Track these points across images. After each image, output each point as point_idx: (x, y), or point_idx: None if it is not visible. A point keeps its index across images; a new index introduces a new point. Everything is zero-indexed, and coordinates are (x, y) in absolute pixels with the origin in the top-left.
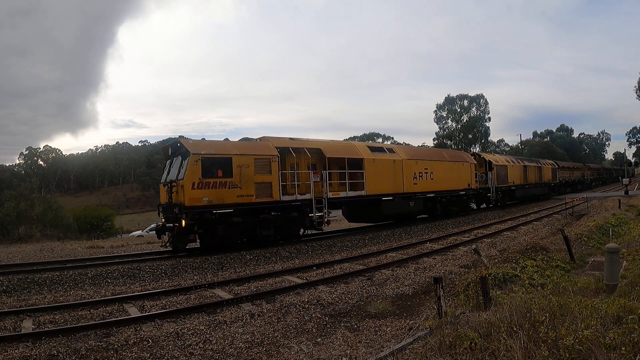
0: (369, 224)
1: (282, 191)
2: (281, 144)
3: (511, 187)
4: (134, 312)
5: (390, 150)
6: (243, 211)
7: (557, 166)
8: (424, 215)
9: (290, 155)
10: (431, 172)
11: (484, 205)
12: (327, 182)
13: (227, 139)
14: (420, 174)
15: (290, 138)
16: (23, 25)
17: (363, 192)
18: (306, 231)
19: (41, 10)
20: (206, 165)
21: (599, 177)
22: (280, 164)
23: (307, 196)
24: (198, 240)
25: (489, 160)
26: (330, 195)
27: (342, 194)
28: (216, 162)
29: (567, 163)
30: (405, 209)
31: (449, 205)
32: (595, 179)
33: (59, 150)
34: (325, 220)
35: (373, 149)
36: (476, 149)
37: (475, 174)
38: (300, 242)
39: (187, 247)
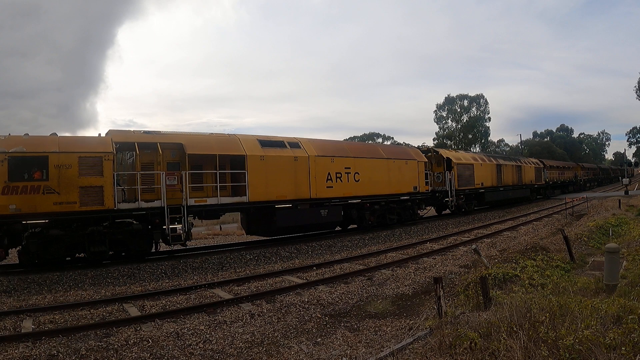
0: (268, 238)
1: (119, 197)
2: (124, 139)
3: (479, 189)
4: (134, 312)
5: (294, 145)
6: (64, 222)
7: (542, 165)
8: (353, 226)
9: (144, 153)
10: (355, 173)
11: (448, 211)
12: (188, 185)
13: (54, 134)
14: (339, 175)
15: (145, 132)
16: (24, 26)
17: (245, 198)
18: (159, 247)
19: (42, 11)
20: (14, 165)
21: (595, 178)
22: (117, 164)
23: (156, 203)
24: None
25: (448, 158)
26: (193, 202)
27: (212, 201)
28: (28, 161)
29: (557, 162)
30: (314, 219)
31: (386, 213)
32: (590, 180)
33: None
34: (185, 233)
35: (265, 144)
36: (476, 149)
37: (427, 174)
38: (299, 242)
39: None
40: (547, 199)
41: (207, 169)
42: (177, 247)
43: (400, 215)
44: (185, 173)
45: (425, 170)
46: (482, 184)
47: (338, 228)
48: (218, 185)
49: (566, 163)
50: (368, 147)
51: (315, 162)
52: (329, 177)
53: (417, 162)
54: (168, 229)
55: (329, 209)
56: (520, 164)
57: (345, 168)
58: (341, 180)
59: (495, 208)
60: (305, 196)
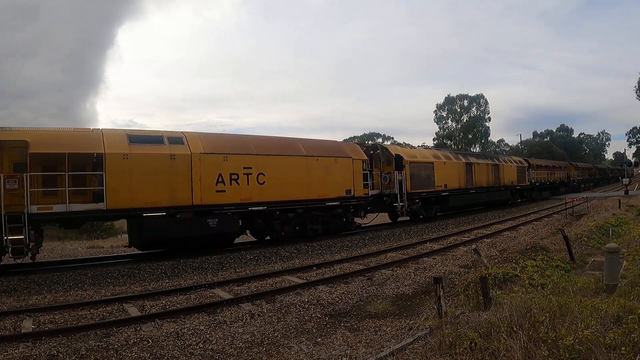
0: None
1: None
2: None
3: (441, 192)
4: (134, 312)
5: (176, 140)
6: None
7: (527, 164)
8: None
9: None
10: (259, 174)
11: (406, 218)
12: (29, 189)
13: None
14: (234, 176)
15: None
16: (24, 27)
17: (102, 205)
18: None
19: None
20: None
21: (591, 178)
22: None
23: None
24: None
25: (397, 155)
26: (35, 209)
27: (59, 208)
28: None
29: (546, 161)
30: (200, 230)
31: (307, 223)
32: (585, 181)
33: None
34: (27, 245)
35: (136, 139)
36: (476, 148)
37: (367, 174)
38: (299, 242)
39: None
40: (533, 201)
41: (62, 169)
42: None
43: (329, 225)
44: (27, 175)
45: (365, 169)
46: (445, 185)
47: (271, 239)
48: (67, 189)
49: (557, 162)
50: (280, 142)
51: (201, 160)
52: (220, 179)
53: (352, 161)
54: (6, 240)
55: (219, 218)
56: (497, 163)
57: (245, 168)
58: (237, 183)
59: (466, 213)
60: (186, 202)
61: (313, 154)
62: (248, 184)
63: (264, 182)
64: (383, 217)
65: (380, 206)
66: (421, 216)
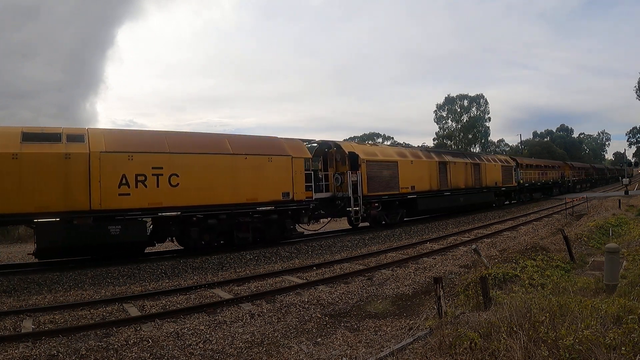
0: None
1: None
2: None
3: (407, 195)
4: (134, 312)
5: (76, 138)
6: None
7: (514, 164)
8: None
9: None
10: (172, 175)
11: (366, 224)
12: None
13: None
14: (141, 178)
15: None
16: (25, 27)
17: None
18: None
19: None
20: None
21: (588, 179)
22: None
23: None
24: None
25: (351, 153)
26: None
27: None
28: None
29: (537, 160)
30: (100, 237)
31: (235, 230)
32: (581, 181)
33: None
34: None
35: (30, 137)
36: (476, 149)
37: (311, 174)
38: (299, 242)
39: None
40: (522, 204)
41: None
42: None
43: (263, 233)
44: None
45: (309, 169)
46: (412, 187)
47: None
48: None
49: (550, 162)
50: (202, 139)
51: (101, 160)
52: (124, 181)
53: (292, 159)
54: None
55: (123, 224)
56: (478, 162)
57: (154, 168)
58: (145, 185)
59: (441, 218)
60: (84, 207)
61: (241, 152)
62: (158, 187)
63: (178, 184)
64: (343, 223)
65: (334, 211)
66: (383, 222)
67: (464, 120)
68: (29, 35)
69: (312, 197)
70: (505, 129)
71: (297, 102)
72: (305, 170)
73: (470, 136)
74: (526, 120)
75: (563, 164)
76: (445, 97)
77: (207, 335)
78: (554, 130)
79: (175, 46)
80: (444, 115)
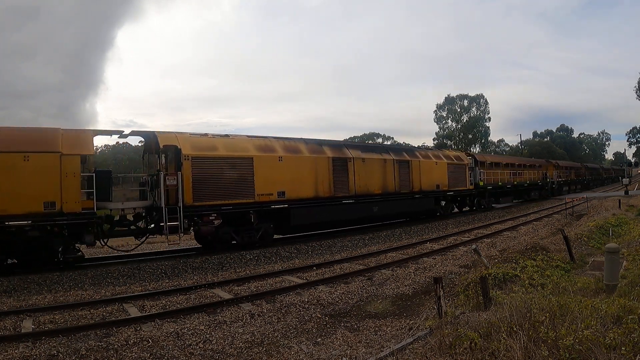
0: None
1: None
2: None
3: (270, 204)
4: (134, 312)
5: None
6: None
7: (468, 162)
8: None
9: None
10: None
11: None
12: None
13: None
14: None
15: None
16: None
17: None
18: None
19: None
20: None
21: (578, 180)
22: None
23: None
24: None
25: (169, 147)
26: None
27: None
28: None
29: (508, 158)
30: None
31: None
32: (570, 182)
33: None
34: None
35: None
36: (476, 149)
37: (85, 177)
38: (299, 242)
39: None
40: (485, 211)
41: None
42: None
43: (21, 256)
44: None
45: (89, 171)
46: (281, 193)
47: None
48: None
49: (528, 160)
50: None
51: None
52: None
53: (61, 157)
54: None
55: None
56: (407, 159)
57: None
58: None
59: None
60: None
61: None
62: None
63: None
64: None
65: (148, 225)
66: (234, 242)
67: (464, 121)
68: (29, 36)
69: (93, 208)
70: (505, 129)
71: (297, 102)
72: (88, 172)
73: (470, 136)
74: (526, 121)
75: (545, 163)
76: (445, 97)
77: (207, 335)
78: (554, 130)
79: (176, 46)
80: (444, 115)
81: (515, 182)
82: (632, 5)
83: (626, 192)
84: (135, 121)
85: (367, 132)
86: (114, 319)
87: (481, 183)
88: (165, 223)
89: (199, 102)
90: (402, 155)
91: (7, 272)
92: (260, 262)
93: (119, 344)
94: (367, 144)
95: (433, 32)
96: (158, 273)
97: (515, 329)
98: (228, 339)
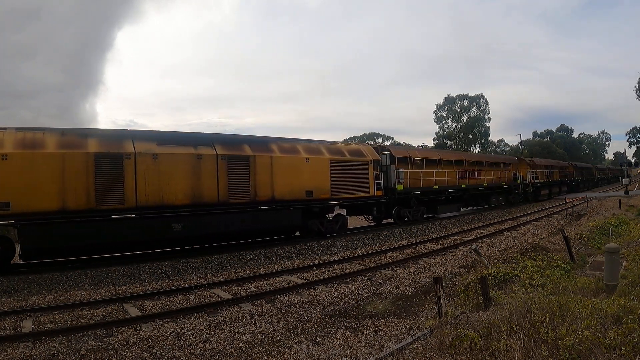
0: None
1: None
2: None
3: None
4: (134, 312)
5: None
6: None
7: (373, 158)
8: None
9: None
10: None
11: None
12: None
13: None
14: None
15: None
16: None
17: None
18: None
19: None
20: None
21: (565, 181)
22: None
23: None
24: None
25: None
26: None
27: None
28: None
29: (449, 153)
30: None
31: None
32: (552, 184)
33: None
34: None
35: None
36: (476, 149)
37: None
38: (299, 242)
39: None
40: (399, 226)
41: None
42: None
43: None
44: None
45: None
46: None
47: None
48: None
49: (488, 156)
50: None
51: None
52: None
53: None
54: None
55: None
56: (247, 154)
57: None
58: None
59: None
60: None
61: None
62: None
63: None
64: None
65: None
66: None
67: (464, 121)
68: (29, 36)
69: None
70: (505, 129)
71: (297, 102)
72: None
73: (470, 136)
74: (526, 121)
75: (516, 161)
76: (445, 97)
77: (207, 335)
78: (554, 130)
79: (176, 46)
80: (444, 115)
81: (464, 185)
82: (632, 5)
83: (626, 192)
84: (136, 121)
85: (366, 132)
86: (114, 319)
87: (400, 187)
88: None
89: (199, 102)
90: (239, 149)
91: (7, 272)
92: (260, 262)
93: (119, 344)
94: (172, 132)
95: (433, 32)
96: (158, 273)
97: (515, 329)
98: (228, 339)
